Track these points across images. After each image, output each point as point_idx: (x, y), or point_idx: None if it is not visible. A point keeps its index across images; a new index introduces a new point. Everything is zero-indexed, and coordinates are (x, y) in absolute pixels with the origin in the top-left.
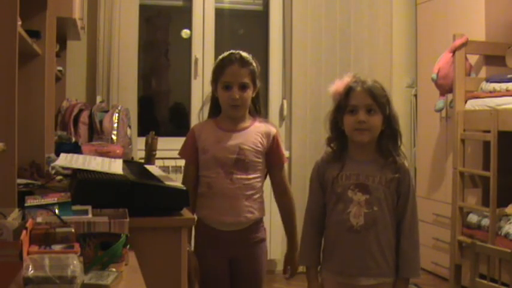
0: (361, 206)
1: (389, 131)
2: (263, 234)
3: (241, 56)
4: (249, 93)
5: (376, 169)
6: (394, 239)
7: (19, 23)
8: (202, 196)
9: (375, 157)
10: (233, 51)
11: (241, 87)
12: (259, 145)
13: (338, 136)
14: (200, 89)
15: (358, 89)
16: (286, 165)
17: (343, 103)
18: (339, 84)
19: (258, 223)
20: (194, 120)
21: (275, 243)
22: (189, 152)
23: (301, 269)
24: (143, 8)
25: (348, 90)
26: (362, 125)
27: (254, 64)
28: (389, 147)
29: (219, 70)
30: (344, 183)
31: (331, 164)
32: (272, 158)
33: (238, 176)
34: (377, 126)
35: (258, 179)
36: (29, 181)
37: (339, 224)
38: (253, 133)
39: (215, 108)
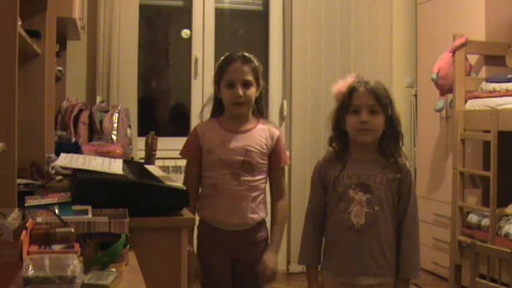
0: (362, 206)
1: (392, 132)
2: (266, 233)
3: (243, 54)
4: (253, 91)
5: (377, 169)
6: (394, 239)
7: (19, 23)
8: (205, 197)
9: (377, 157)
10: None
11: (244, 84)
12: (265, 147)
13: (340, 136)
14: (200, 89)
15: (362, 89)
16: (286, 166)
17: (346, 103)
18: (342, 84)
19: (261, 223)
20: (194, 120)
21: None
22: (192, 152)
23: (301, 268)
24: (143, 8)
25: (351, 91)
26: (365, 125)
27: (256, 63)
28: (391, 148)
29: (221, 69)
30: (345, 182)
31: (333, 163)
32: (273, 160)
33: (245, 178)
34: (379, 127)
35: (263, 180)
36: (29, 181)
37: (340, 223)
38: (258, 135)
39: (218, 109)
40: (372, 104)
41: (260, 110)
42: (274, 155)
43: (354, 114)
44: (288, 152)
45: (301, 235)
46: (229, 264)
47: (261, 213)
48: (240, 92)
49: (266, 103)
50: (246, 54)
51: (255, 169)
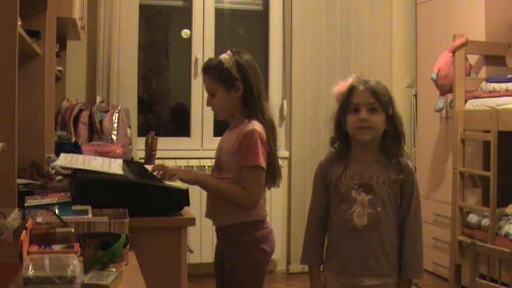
0: (365, 206)
1: (393, 132)
2: (245, 238)
3: (205, 64)
4: (219, 97)
5: (379, 169)
6: (397, 239)
7: (19, 23)
8: None
9: (379, 157)
10: (210, 57)
11: (211, 94)
12: (232, 146)
13: (341, 136)
14: (200, 89)
15: (361, 88)
16: (286, 165)
17: (346, 102)
18: (342, 85)
19: (236, 226)
20: (194, 120)
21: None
22: None
23: (301, 268)
24: (143, 8)
25: (351, 90)
26: (364, 123)
27: (221, 66)
28: (393, 148)
29: None
30: (348, 183)
31: (335, 164)
32: (237, 158)
33: (215, 175)
34: (379, 125)
35: (230, 180)
36: (29, 181)
37: (342, 224)
38: (234, 134)
39: None
40: (371, 102)
41: (250, 107)
42: (238, 152)
43: (354, 113)
44: (288, 152)
45: (302, 235)
46: (218, 257)
47: (232, 216)
48: (208, 103)
49: None
50: (209, 61)
51: (223, 167)
